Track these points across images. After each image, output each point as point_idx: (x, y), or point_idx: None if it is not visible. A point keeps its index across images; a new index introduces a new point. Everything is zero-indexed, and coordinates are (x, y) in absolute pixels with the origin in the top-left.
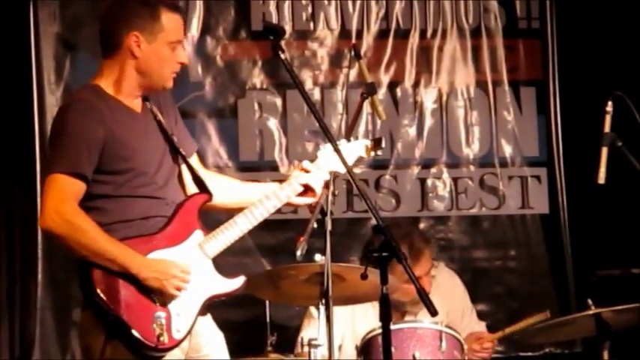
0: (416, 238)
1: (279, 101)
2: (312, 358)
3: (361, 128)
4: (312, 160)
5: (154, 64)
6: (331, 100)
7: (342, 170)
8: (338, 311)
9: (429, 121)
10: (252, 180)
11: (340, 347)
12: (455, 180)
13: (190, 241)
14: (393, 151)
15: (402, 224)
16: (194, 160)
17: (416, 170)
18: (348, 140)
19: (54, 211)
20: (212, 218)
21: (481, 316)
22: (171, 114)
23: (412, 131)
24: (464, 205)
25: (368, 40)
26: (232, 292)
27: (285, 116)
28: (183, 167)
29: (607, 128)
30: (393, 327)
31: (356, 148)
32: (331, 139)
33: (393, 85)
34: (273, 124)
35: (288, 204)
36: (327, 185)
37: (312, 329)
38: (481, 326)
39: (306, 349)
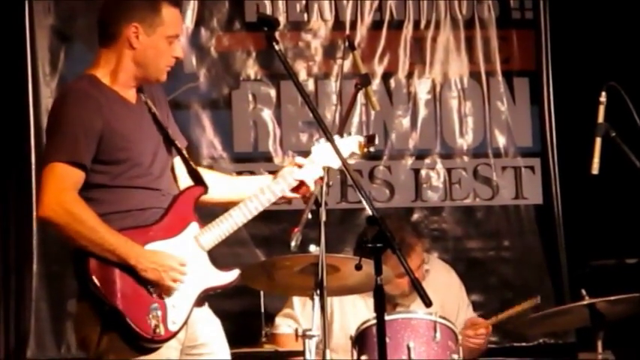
0: (407, 232)
1: (273, 92)
2: (307, 348)
3: (355, 119)
4: (306, 155)
5: (150, 56)
6: (325, 91)
7: (336, 166)
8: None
9: (422, 112)
10: (246, 171)
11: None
12: (449, 170)
13: (186, 233)
14: (387, 141)
15: (393, 218)
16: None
17: (410, 161)
18: (342, 136)
19: (53, 201)
20: (208, 211)
21: (475, 306)
22: (163, 107)
23: (406, 122)
24: (458, 195)
25: (362, 31)
26: (227, 284)
27: (279, 107)
28: (176, 160)
29: (601, 118)
30: (387, 317)
31: (349, 145)
32: (325, 131)
33: (386, 76)
34: (267, 115)
35: (281, 197)
36: (321, 177)
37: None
38: None
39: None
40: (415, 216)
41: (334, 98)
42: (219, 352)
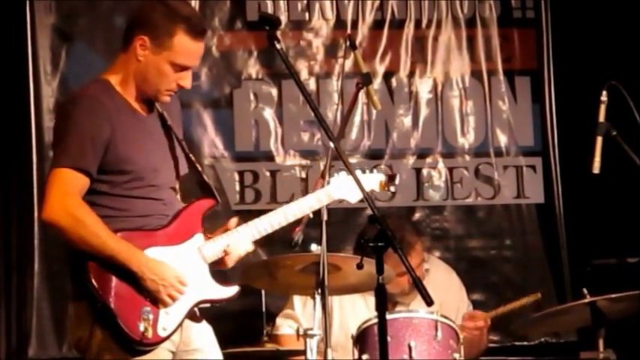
0: (407, 231)
1: (274, 91)
2: (308, 348)
3: (357, 118)
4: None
5: (151, 74)
6: (327, 90)
7: (353, 200)
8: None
9: (424, 111)
10: (247, 170)
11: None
12: (450, 170)
13: (190, 243)
14: (389, 141)
15: (393, 217)
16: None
17: (411, 160)
18: (364, 172)
19: (57, 204)
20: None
21: (476, 305)
22: (177, 122)
23: (407, 121)
24: (459, 194)
25: (363, 31)
26: (224, 299)
27: (280, 106)
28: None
29: (602, 117)
30: (388, 317)
31: (370, 181)
32: (327, 130)
33: (388, 75)
34: (268, 114)
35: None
36: (322, 175)
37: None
38: None
39: (281, 330)
40: (417, 215)
41: (336, 97)
42: (212, 357)
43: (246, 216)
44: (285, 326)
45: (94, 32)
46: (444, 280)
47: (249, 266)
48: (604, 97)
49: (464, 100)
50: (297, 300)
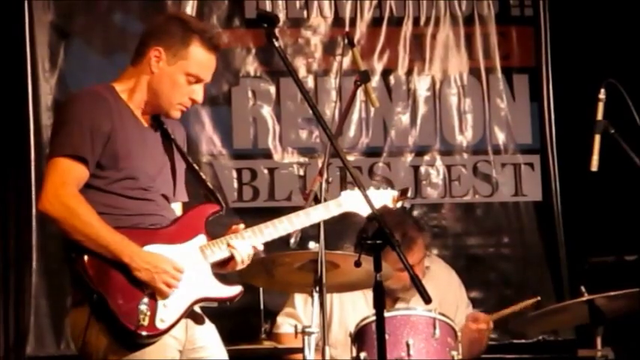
0: (409, 226)
1: (272, 89)
2: (306, 345)
3: (355, 116)
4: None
5: (165, 86)
6: (325, 87)
7: (364, 214)
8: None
9: (422, 109)
10: (246, 168)
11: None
12: (448, 167)
13: (192, 243)
14: (387, 138)
15: (395, 212)
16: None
17: (409, 157)
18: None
19: (52, 194)
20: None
21: (475, 302)
22: (181, 144)
23: (405, 119)
24: (457, 192)
25: (361, 28)
26: (226, 298)
27: (278, 104)
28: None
29: (600, 115)
30: (386, 314)
31: (382, 197)
32: (325, 128)
33: (386, 73)
34: (266, 111)
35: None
36: (320, 173)
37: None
38: None
39: (281, 329)
40: (415, 213)
41: (334, 95)
42: (217, 355)
43: (245, 214)
44: (286, 325)
45: (92, 30)
46: (444, 278)
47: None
48: (602, 95)
49: (462, 98)
50: (299, 298)
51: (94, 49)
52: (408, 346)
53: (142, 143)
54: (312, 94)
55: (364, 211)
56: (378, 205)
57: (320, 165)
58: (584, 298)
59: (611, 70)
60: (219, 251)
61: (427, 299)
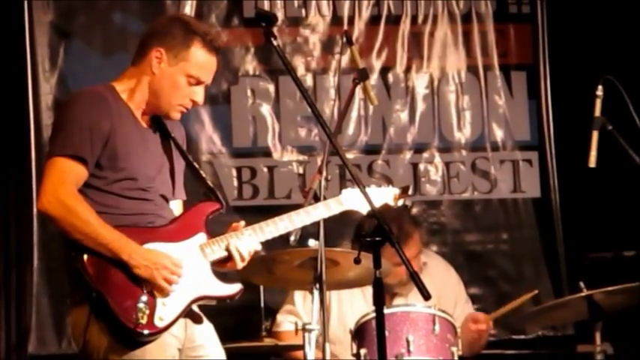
0: (405, 221)
1: (271, 87)
2: (306, 342)
3: (353, 114)
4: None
5: (165, 87)
6: (323, 85)
7: (365, 212)
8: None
9: (420, 106)
10: (245, 166)
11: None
12: (447, 164)
13: (192, 241)
14: (386, 136)
15: (391, 207)
16: (177, 204)
17: (408, 155)
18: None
19: (51, 193)
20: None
21: (474, 299)
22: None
23: (404, 116)
24: (456, 189)
25: (359, 26)
26: (225, 297)
27: (277, 102)
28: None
29: (597, 112)
30: (386, 311)
31: (383, 195)
32: (324, 126)
33: (384, 71)
34: (266, 110)
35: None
36: (320, 171)
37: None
38: None
39: (282, 327)
40: (414, 210)
41: (332, 93)
42: (216, 353)
43: (244, 212)
44: (286, 322)
45: (92, 30)
46: (441, 274)
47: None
48: (600, 92)
49: (460, 95)
50: (298, 295)
51: (93, 48)
52: (408, 342)
53: (142, 144)
54: (311, 92)
55: (365, 209)
56: (379, 203)
57: (319, 163)
58: (582, 294)
59: (609, 66)
60: (218, 250)
61: (426, 295)
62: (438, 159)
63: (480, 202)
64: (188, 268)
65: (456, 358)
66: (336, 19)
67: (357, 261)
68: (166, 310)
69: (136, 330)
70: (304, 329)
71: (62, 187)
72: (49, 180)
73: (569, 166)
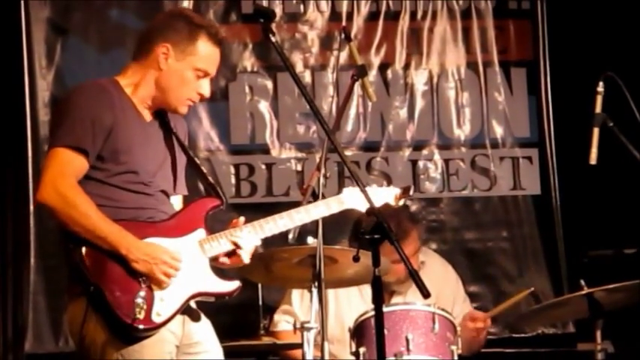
0: (403, 217)
1: (270, 84)
2: (305, 340)
3: (352, 110)
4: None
5: (174, 82)
6: (322, 82)
7: (364, 210)
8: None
9: (419, 103)
10: (243, 163)
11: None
12: (446, 161)
13: (191, 237)
14: (384, 133)
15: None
16: (178, 200)
17: (407, 152)
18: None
19: (50, 185)
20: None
21: (473, 297)
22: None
23: (403, 113)
24: (455, 186)
25: (358, 22)
26: (224, 293)
27: (276, 99)
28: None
29: (598, 109)
30: (385, 309)
31: (384, 195)
32: (323, 123)
33: (383, 67)
34: (264, 106)
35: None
36: (318, 168)
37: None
38: None
39: (279, 326)
40: (413, 207)
41: (331, 89)
42: (213, 350)
43: (243, 209)
44: (283, 322)
45: (88, 26)
46: (440, 273)
47: None
48: (600, 88)
49: (459, 92)
50: (295, 294)
51: (90, 45)
52: (407, 340)
53: (144, 138)
54: (310, 89)
55: (364, 208)
56: (380, 203)
57: (318, 160)
58: (583, 292)
59: (610, 62)
60: (218, 245)
61: (425, 293)
62: (437, 156)
63: (479, 200)
64: (187, 264)
65: (455, 356)
66: (335, 15)
67: (356, 259)
68: (164, 305)
69: (133, 325)
70: (302, 328)
71: (62, 179)
72: (49, 171)
73: (570, 163)
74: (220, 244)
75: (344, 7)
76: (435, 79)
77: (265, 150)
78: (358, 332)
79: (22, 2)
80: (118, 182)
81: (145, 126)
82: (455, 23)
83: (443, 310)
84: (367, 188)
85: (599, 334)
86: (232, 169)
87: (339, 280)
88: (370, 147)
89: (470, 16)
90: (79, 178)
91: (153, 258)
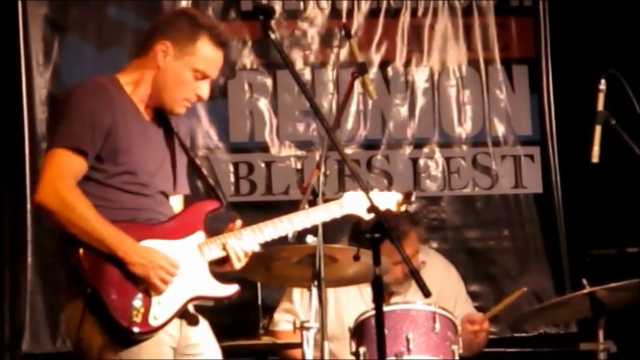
0: (401, 219)
1: (269, 81)
2: (305, 340)
3: (352, 108)
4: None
5: (170, 81)
6: (322, 79)
7: (365, 216)
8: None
9: (420, 101)
10: (242, 161)
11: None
12: (447, 160)
13: (190, 239)
14: (385, 131)
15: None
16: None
17: (408, 150)
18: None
19: (49, 186)
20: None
21: (475, 296)
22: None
23: (404, 111)
24: (456, 184)
25: (358, 19)
26: (222, 297)
27: (275, 96)
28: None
29: (600, 106)
30: (386, 308)
31: (386, 200)
32: (322, 120)
33: (384, 65)
34: (263, 104)
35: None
36: (318, 166)
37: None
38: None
39: (279, 326)
40: (413, 206)
41: (331, 87)
42: (211, 351)
43: (242, 208)
44: (283, 322)
45: (86, 23)
46: (441, 273)
47: None
48: (602, 86)
49: (461, 90)
50: (296, 292)
51: (88, 42)
52: (407, 340)
53: (143, 138)
54: (309, 86)
55: (366, 215)
56: (381, 208)
57: (318, 158)
58: (585, 291)
59: (612, 60)
60: (217, 249)
61: (426, 293)
62: (438, 154)
63: (480, 198)
64: (185, 267)
65: (456, 356)
66: (335, 12)
67: (357, 257)
68: (161, 309)
69: (129, 328)
70: (302, 327)
71: (60, 181)
72: (47, 172)
73: (572, 161)
74: (219, 248)
75: (344, 4)
76: (436, 77)
77: (265, 148)
78: (358, 332)
79: None
80: (117, 183)
81: (144, 125)
82: (456, 20)
83: (444, 309)
84: (369, 193)
85: (601, 333)
86: (231, 168)
87: (339, 279)
88: (371, 145)
89: (471, 13)
90: (78, 180)
91: (150, 262)
